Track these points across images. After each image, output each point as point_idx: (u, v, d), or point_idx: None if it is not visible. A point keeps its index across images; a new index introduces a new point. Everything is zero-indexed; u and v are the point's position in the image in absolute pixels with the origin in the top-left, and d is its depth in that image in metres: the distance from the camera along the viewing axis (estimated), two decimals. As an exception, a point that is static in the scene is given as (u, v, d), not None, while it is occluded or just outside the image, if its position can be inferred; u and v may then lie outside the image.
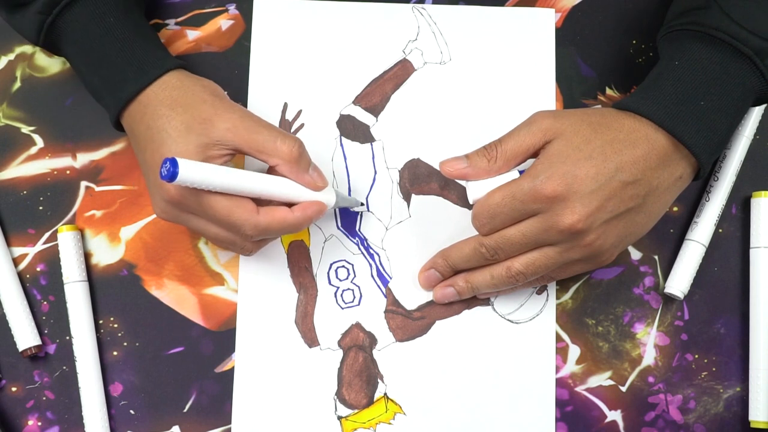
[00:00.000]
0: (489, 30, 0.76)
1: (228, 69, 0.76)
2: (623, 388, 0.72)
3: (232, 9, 0.77)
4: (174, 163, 0.60)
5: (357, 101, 0.75)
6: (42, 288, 0.73)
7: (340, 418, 0.72)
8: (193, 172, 0.61)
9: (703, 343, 0.73)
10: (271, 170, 0.67)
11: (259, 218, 0.64)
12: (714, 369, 0.73)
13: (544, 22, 0.76)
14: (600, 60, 0.76)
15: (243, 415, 0.71)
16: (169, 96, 0.65)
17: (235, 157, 0.67)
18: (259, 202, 0.65)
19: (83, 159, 0.75)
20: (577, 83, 0.76)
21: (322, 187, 0.67)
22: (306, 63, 0.76)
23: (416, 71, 0.76)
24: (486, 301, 0.73)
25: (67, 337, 0.72)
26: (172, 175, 0.60)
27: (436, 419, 0.72)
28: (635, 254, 0.74)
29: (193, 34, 0.76)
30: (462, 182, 0.72)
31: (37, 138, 0.75)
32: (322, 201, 0.67)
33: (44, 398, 0.72)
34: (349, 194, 0.74)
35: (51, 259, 0.73)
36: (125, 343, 0.72)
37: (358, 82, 0.76)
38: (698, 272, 0.73)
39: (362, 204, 0.73)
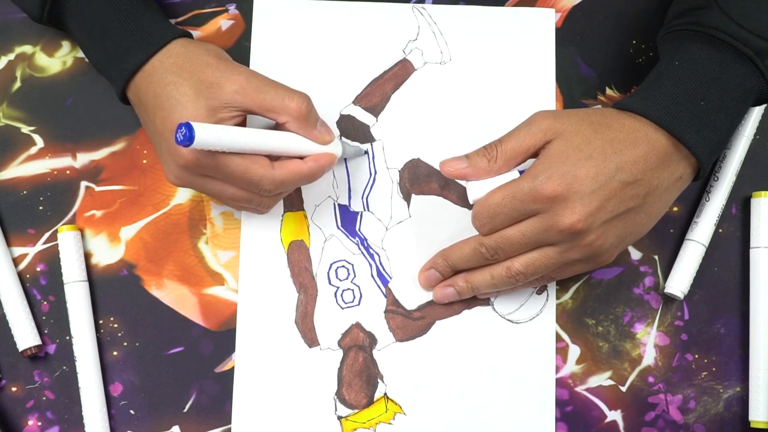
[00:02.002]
0: (489, 30, 0.76)
1: (228, 69, 0.76)
2: (623, 388, 0.72)
3: (232, 9, 0.77)
4: (189, 127, 0.60)
5: (357, 101, 0.75)
6: (42, 288, 0.73)
7: (340, 418, 0.72)
8: (208, 134, 0.61)
9: (703, 343, 0.73)
10: (278, 126, 0.67)
11: (275, 172, 0.66)
12: (714, 369, 0.73)
13: (544, 22, 0.76)
14: (600, 60, 0.76)
15: (243, 415, 0.71)
16: (174, 63, 0.66)
17: (244, 117, 0.68)
18: (271, 157, 0.66)
19: (83, 159, 0.75)
20: (577, 83, 0.76)
21: (330, 141, 0.69)
22: (306, 63, 0.76)
23: (416, 71, 0.76)
24: (486, 301, 0.73)
25: (67, 337, 0.72)
26: (189, 139, 0.60)
27: (436, 419, 0.72)
28: (635, 254, 0.74)
29: (193, 34, 0.76)
30: (462, 182, 0.72)
31: (37, 138, 0.75)
32: (332, 152, 0.69)
33: (44, 398, 0.72)
34: (349, 195, 0.74)
35: (51, 259, 0.73)
36: (125, 343, 0.72)
37: (358, 82, 0.76)
38: (698, 272, 0.73)
39: (366, 151, 0.74)
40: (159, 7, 0.71)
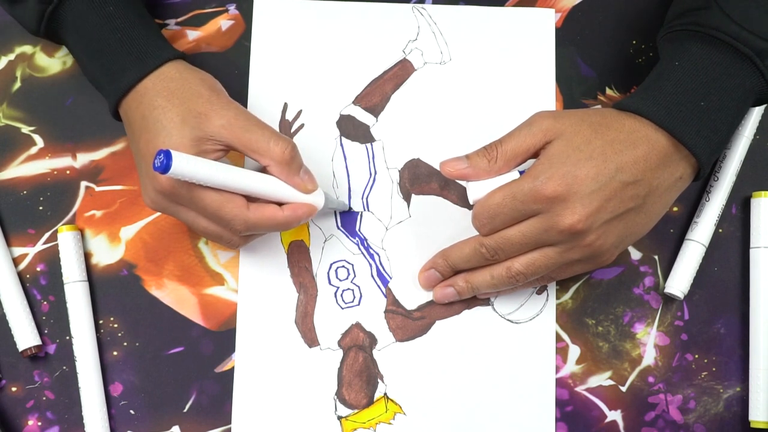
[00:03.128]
0: (489, 30, 0.76)
1: (228, 69, 0.76)
2: (623, 388, 0.72)
3: (232, 9, 0.77)
4: (168, 155, 0.60)
5: (357, 101, 0.75)
6: (42, 288, 0.73)
7: (340, 418, 0.72)
8: (186, 165, 0.61)
9: (703, 343, 0.73)
10: (263, 169, 0.67)
11: (248, 214, 0.65)
12: (714, 369, 0.73)
13: (544, 22, 0.76)
14: (600, 60, 0.76)
15: (243, 415, 0.71)
16: (166, 87, 0.66)
17: (230, 152, 0.67)
18: (249, 198, 0.65)
19: (83, 159, 0.75)
20: (577, 83, 0.76)
21: (312, 191, 0.67)
22: (306, 63, 0.76)
23: (416, 71, 0.76)
24: (486, 301, 0.73)
25: (67, 337, 0.72)
26: (165, 167, 0.60)
27: (436, 419, 0.72)
28: (635, 254, 0.74)
29: (193, 34, 0.76)
30: (462, 182, 0.72)
31: (37, 138, 0.75)
32: (312, 203, 0.67)
33: (44, 398, 0.72)
34: (349, 195, 0.74)
35: (51, 259, 0.73)
36: (125, 343, 0.72)
37: (358, 82, 0.76)
38: (698, 272, 0.73)
39: (350, 208, 0.74)
40: (156, 26, 0.70)
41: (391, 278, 0.73)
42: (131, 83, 0.66)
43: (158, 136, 0.64)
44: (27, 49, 0.76)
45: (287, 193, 0.66)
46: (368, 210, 0.74)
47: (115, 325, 0.73)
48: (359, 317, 0.73)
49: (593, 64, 0.76)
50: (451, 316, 0.73)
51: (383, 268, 0.73)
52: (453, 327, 0.73)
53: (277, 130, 0.74)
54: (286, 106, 0.75)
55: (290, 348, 0.72)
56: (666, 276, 0.73)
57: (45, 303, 0.73)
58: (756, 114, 0.74)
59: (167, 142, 0.64)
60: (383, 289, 0.73)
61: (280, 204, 0.66)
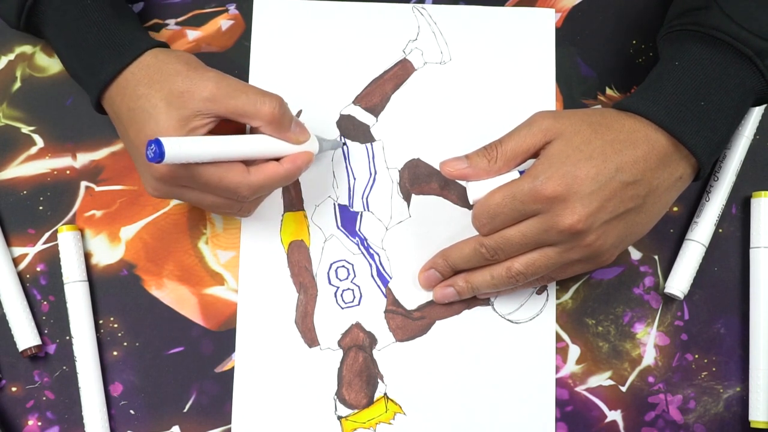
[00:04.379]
0: (489, 30, 0.76)
1: (228, 69, 0.75)
2: (623, 388, 0.72)
3: (232, 9, 0.77)
4: (159, 143, 0.60)
5: (357, 101, 0.75)
6: (42, 288, 0.73)
7: (340, 418, 0.72)
8: (179, 149, 0.61)
9: (703, 343, 0.73)
10: (253, 130, 0.67)
11: (251, 178, 0.65)
12: (714, 369, 0.73)
13: (544, 22, 0.76)
14: (600, 60, 0.76)
15: (243, 415, 0.71)
16: (145, 75, 0.65)
17: (218, 122, 0.67)
18: (247, 162, 0.66)
19: (83, 159, 0.75)
20: (577, 83, 0.76)
21: (306, 140, 0.68)
22: (306, 63, 0.76)
23: (416, 71, 0.76)
24: (486, 301, 0.73)
25: (67, 337, 0.72)
26: (159, 156, 0.60)
27: (436, 419, 0.72)
28: (635, 254, 0.74)
29: (193, 34, 0.76)
30: (462, 182, 0.72)
31: (37, 138, 0.75)
32: (308, 150, 0.68)
33: (44, 398, 0.72)
34: (350, 194, 0.74)
35: (51, 259, 0.73)
36: (125, 343, 0.72)
37: (358, 82, 0.76)
38: (698, 272, 0.73)
39: (344, 143, 0.74)
40: (135, 17, 0.70)
41: (391, 278, 0.73)
42: (111, 76, 0.66)
43: (147, 125, 0.64)
44: (27, 49, 0.76)
45: (282, 148, 0.67)
46: (368, 210, 0.74)
47: (115, 325, 0.73)
48: (359, 317, 0.73)
49: (593, 64, 0.76)
50: (451, 316, 0.73)
51: (383, 268, 0.73)
52: (453, 327, 0.73)
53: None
54: (286, 106, 0.75)
55: (290, 348, 0.72)
56: (666, 276, 0.73)
57: (45, 303, 0.73)
58: (756, 114, 0.74)
59: (156, 129, 0.63)
60: (383, 289, 0.73)
61: (277, 160, 0.67)
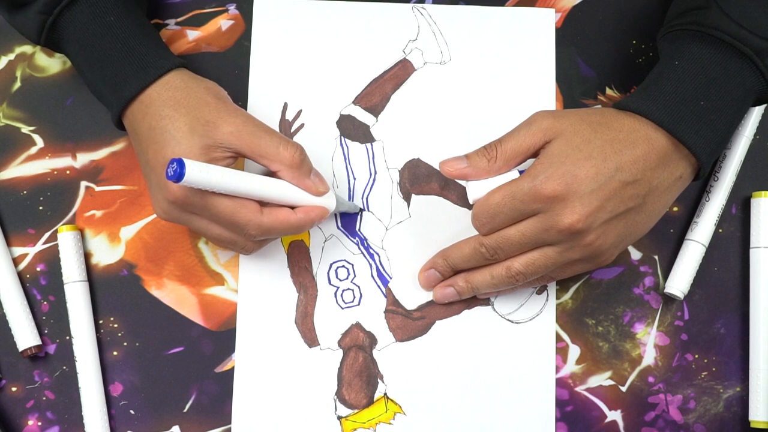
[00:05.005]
0: (489, 30, 0.76)
1: (228, 69, 0.76)
2: (623, 388, 0.72)
3: (232, 9, 0.77)
4: (181, 163, 0.60)
5: (357, 101, 0.75)
6: (42, 288, 0.73)
7: (340, 418, 0.72)
8: (199, 173, 0.61)
9: (703, 343, 0.73)
10: (272, 174, 0.67)
11: (262, 219, 0.65)
12: (714, 369, 0.73)
13: (544, 22, 0.76)
14: (600, 60, 0.76)
15: (243, 415, 0.71)
16: (172, 96, 0.66)
17: (237, 159, 0.67)
18: (261, 203, 0.66)
19: (83, 159, 0.75)
20: (577, 83, 0.76)
21: (324, 192, 0.68)
22: (306, 63, 0.76)
23: (416, 71, 0.76)
24: (486, 301, 0.73)
25: (67, 337, 0.72)
26: (179, 176, 0.60)
27: (436, 419, 0.72)
28: (635, 254, 0.74)
29: (193, 34, 0.76)
30: (462, 182, 0.72)
31: (37, 138, 0.75)
32: (324, 205, 0.67)
33: (44, 398, 0.72)
34: (350, 194, 0.74)
35: (51, 259, 0.73)
36: (125, 343, 0.72)
37: (358, 82, 0.76)
38: (698, 272, 0.73)
39: (361, 209, 0.74)
40: (157, 34, 0.70)
41: (391, 278, 0.73)
42: (133, 93, 0.66)
43: (167, 146, 0.64)
44: (27, 49, 0.76)
45: (299, 197, 0.67)
46: (368, 210, 0.74)
47: (115, 325, 0.73)
48: (359, 317, 0.73)
49: (593, 64, 0.76)
50: (451, 316, 0.73)
51: (383, 268, 0.73)
52: (453, 327, 0.73)
53: (277, 130, 0.74)
54: (286, 106, 0.75)
55: (290, 348, 0.72)
56: (666, 276, 0.73)
57: (45, 303, 0.73)
58: (756, 114, 0.74)
59: (177, 151, 0.64)
60: (383, 289, 0.73)
61: (292, 207, 0.67)
